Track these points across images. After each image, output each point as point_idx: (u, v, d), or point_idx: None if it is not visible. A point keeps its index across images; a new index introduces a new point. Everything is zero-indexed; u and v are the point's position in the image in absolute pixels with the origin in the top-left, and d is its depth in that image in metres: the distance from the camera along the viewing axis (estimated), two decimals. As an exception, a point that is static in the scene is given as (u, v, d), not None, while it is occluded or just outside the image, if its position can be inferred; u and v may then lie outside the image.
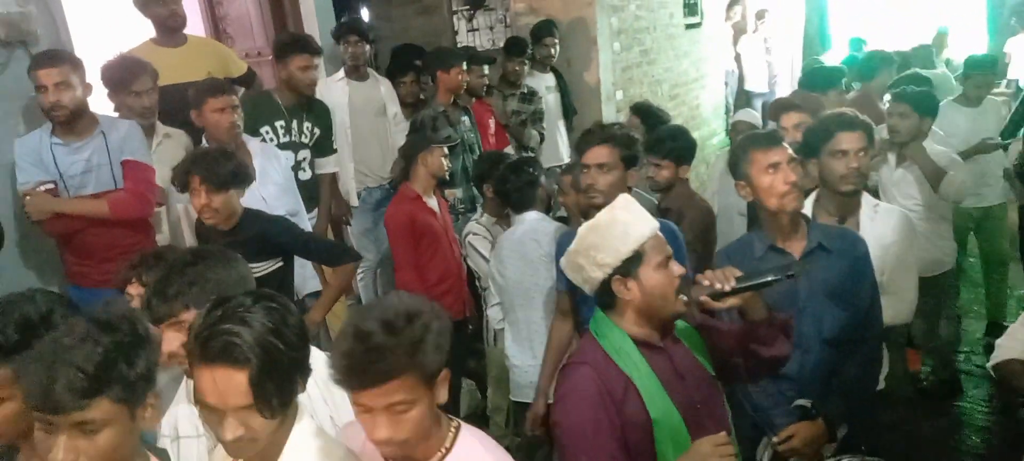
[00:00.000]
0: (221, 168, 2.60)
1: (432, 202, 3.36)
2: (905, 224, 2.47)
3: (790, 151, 2.14)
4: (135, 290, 1.95)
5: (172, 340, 1.61)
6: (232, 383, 1.27)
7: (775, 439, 2.13)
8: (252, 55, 4.46)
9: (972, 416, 3.70)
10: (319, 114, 3.76)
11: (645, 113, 3.89)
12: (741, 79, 8.57)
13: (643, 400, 1.67)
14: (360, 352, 1.28)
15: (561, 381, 1.76)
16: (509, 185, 3.04)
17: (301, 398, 1.48)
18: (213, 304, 1.36)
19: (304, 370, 1.40)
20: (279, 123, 3.63)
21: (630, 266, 1.67)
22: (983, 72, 4.39)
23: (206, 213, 2.63)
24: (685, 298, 1.72)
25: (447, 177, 3.44)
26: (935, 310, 3.58)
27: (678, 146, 3.10)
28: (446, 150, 3.34)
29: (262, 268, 2.73)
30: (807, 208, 2.44)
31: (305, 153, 3.68)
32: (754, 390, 2.19)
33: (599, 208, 2.12)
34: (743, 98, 8.52)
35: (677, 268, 1.71)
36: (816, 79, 4.08)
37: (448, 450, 1.45)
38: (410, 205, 3.28)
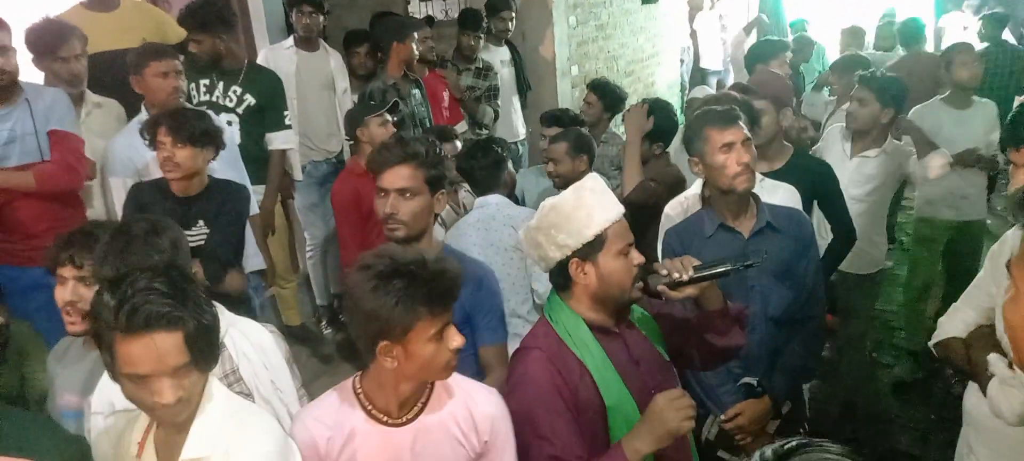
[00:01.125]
0: (189, 122, 2.51)
1: None
2: (791, 198, 2.48)
3: (746, 131, 2.12)
4: (68, 273, 1.85)
5: None
6: (169, 344, 1.31)
7: (722, 417, 2.13)
8: (192, 21, 4.25)
9: (922, 392, 3.76)
10: (258, 83, 3.58)
11: (603, 90, 3.86)
12: (697, 56, 8.60)
13: (597, 386, 1.64)
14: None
15: (513, 367, 1.71)
16: (475, 165, 2.83)
17: (260, 389, 1.72)
18: (113, 281, 1.35)
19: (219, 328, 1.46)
20: (203, 80, 3.48)
21: (590, 250, 1.63)
22: (969, 58, 3.75)
23: (168, 167, 2.51)
24: (640, 286, 1.69)
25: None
26: (870, 309, 3.48)
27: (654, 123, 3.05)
28: (387, 118, 3.22)
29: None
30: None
31: (229, 117, 3.50)
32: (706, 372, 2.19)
33: (402, 241, 2.00)
34: (698, 76, 8.56)
35: (636, 256, 1.68)
36: (761, 50, 4.14)
37: (425, 403, 1.57)
38: (356, 181, 3.15)
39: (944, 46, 7.22)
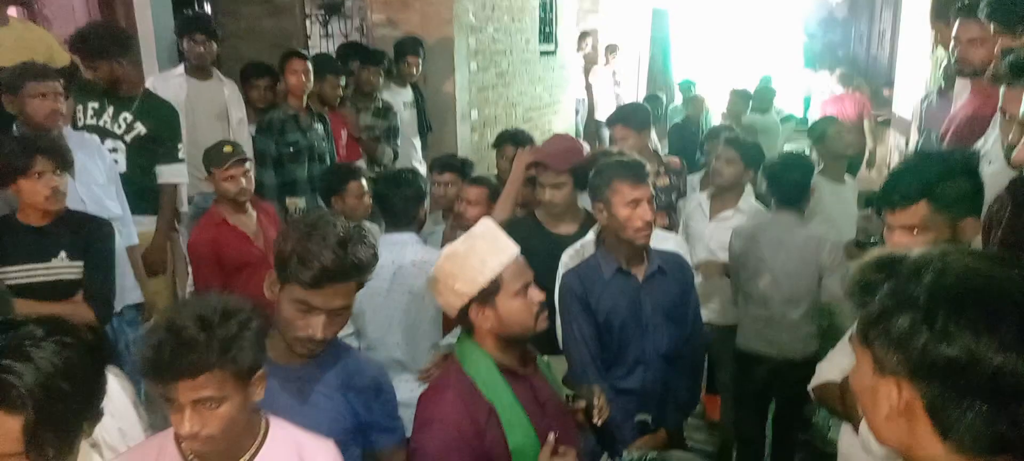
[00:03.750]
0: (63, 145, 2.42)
1: (247, 221, 3.03)
2: (680, 246, 2.69)
3: (650, 189, 2.24)
4: None
5: None
6: (3, 428, 1.12)
7: (626, 456, 2.19)
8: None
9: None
10: (152, 113, 3.42)
11: (520, 140, 3.76)
12: (591, 108, 8.95)
13: (503, 429, 1.66)
14: (171, 345, 1.27)
15: (423, 405, 1.70)
16: (396, 195, 2.67)
17: (105, 437, 1.45)
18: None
19: (94, 413, 1.27)
20: (92, 103, 3.31)
21: (487, 295, 1.66)
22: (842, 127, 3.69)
23: (57, 198, 2.43)
24: (544, 317, 1.73)
25: (245, 197, 3.03)
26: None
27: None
28: (243, 169, 2.96)
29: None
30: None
31: (114, 144, 3.34)
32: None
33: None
34: (593, 126, 8.90)
35: (536, 294, 1.70)
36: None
37: (257, 449, 1.45)
38: (215, 231, 2.94)
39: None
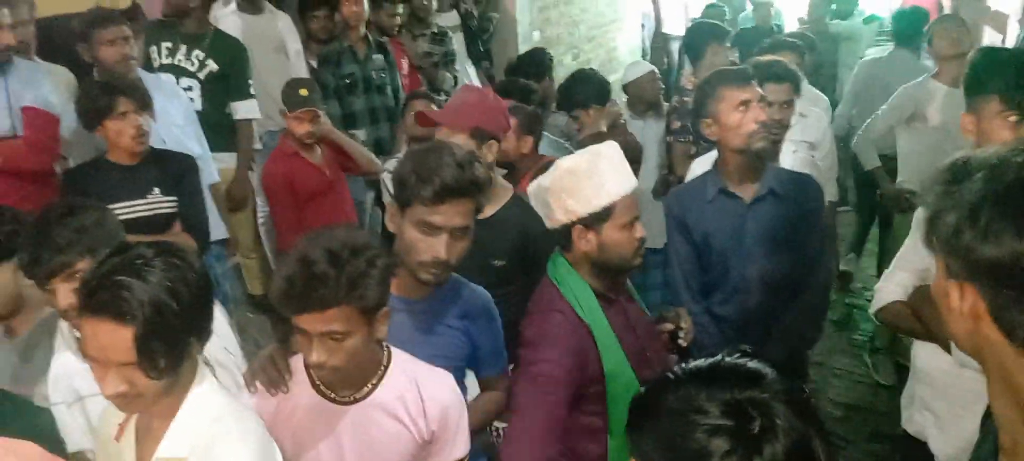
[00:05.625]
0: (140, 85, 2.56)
1: (316, 156, 3.17)
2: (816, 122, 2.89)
3: (759, 90, 2.14)
4: None
5: (68, 293, 1.61)
6: (116, 338, 1.20)
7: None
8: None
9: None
10: (221, 48, 3.51)
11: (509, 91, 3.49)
12: (658, 21, 8.60)
13: (599, 352, 1.68)
14: (302, 278, 1.32)
15: (532, 323, 1.72)
16: None
17: (213, 354, 1.50)
18: (112, 250, 1.29)
19: (201, 332, 1.34)
20: (165, 43, 3.44)
21: (595, 220, 1.65)
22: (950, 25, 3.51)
23: (140, 137, 2.55)
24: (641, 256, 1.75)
25: (311, 140, 3.11)
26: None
27: (588, 89, 3.09)
28: (314, 115, 3.04)
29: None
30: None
31: (189, 82, 3.46)
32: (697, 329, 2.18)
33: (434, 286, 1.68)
34: (660, 41, 8.56)
35: (639, 230, 1.70)
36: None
37: (380, 379, 1.51)
38: (288, 163, 3.07)
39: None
